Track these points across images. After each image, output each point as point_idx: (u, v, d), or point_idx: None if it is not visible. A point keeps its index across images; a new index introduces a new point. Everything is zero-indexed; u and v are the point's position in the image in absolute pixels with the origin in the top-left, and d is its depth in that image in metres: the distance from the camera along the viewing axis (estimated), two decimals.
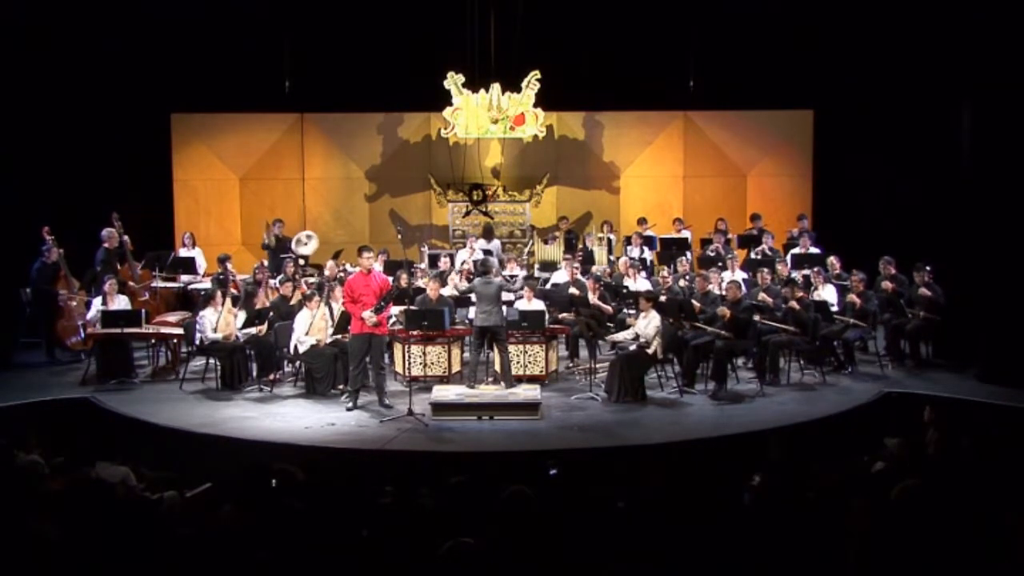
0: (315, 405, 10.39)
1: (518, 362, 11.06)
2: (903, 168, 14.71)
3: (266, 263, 13.40)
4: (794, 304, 11.16)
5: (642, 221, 14.91)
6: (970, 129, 12.38)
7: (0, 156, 13.16)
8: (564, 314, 11.65)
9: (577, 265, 12.94)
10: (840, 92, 15.21)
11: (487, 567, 4.41)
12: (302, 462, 6.79)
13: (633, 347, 10.65)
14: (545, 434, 9.46)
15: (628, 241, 14.68)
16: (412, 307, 11.09)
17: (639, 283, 12.47)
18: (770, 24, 14.77)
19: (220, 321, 10.93)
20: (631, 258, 13.49)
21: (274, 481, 5.70)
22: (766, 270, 12.26)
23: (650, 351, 10.48)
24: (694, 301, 11.34)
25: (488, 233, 15.17)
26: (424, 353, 10.89)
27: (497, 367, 10.73)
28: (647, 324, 10.54)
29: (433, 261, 14.09)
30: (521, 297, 11.79)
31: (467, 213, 15.82)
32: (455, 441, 9.31)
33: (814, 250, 13.64)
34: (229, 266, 12.95)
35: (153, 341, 11.89)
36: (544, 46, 14.67)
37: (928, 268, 11.81)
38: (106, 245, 12.73)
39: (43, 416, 9.80)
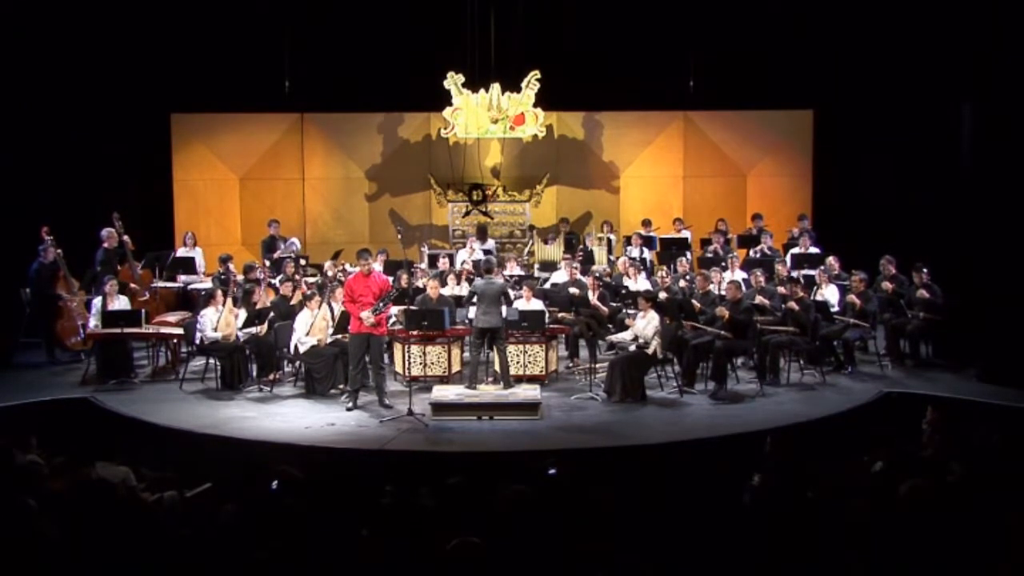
0: (315, 405, 10.39)
1: (518, 362, 11.06)
2: (903, 168, 14.70)
3: (268, 263, 13.42)
4: (793, 305, 11.16)
5: (646, 223, 14.87)
6: (970, 130, 12.39)
7: (0, 156, 13.15)
8: (564, 314, 11.65)
9: (577, 265, 12.92)
10: (840, 92, 15.21)
11: (487, 567, 4.41)
12: (302, 462, 6.79)
13: (632, 348, 10.65)
14: (545, 434, 9.46)
15: (628, 241, 14.67)
16: (412, 307, 11.10)
17: (639, 283, 12.46)
18: (770, 24, 14.77)
19: (221, 321, 10.93)
20: (631, 258, 13.48)
21: (275, 483, 5.70)
22: (759, 271, 12.26)
23: (649, 351, 10.48)
24: (694, 301, 11.34)
25: (482, 234, 15.13)
26: (424, 353, 10.89)
27: (497, 367, 10.74)
28: (646, 325, 10.52)
29: (433, 261, 14.07)
30: (521, 296, 11.79)
31: (467, 213, 15.82)
32: (455, 441, 9.31)
33: (814, 250, 13.64)
34: (230, 266, 12.97)
35: (153, 341, 11.90)
36: (544, 46, 14.68)
37: (925, 269, 11.81)
38: (106, 245, 12.72)
39: (43, 416, 9.79)
